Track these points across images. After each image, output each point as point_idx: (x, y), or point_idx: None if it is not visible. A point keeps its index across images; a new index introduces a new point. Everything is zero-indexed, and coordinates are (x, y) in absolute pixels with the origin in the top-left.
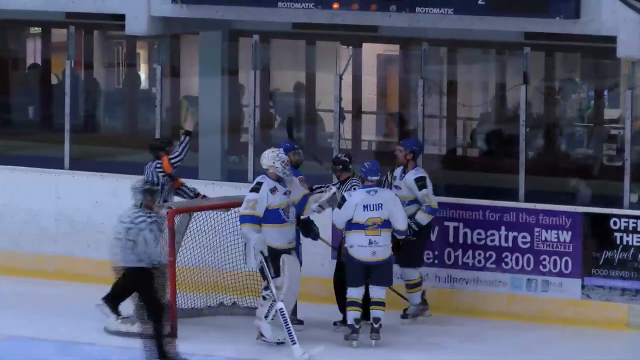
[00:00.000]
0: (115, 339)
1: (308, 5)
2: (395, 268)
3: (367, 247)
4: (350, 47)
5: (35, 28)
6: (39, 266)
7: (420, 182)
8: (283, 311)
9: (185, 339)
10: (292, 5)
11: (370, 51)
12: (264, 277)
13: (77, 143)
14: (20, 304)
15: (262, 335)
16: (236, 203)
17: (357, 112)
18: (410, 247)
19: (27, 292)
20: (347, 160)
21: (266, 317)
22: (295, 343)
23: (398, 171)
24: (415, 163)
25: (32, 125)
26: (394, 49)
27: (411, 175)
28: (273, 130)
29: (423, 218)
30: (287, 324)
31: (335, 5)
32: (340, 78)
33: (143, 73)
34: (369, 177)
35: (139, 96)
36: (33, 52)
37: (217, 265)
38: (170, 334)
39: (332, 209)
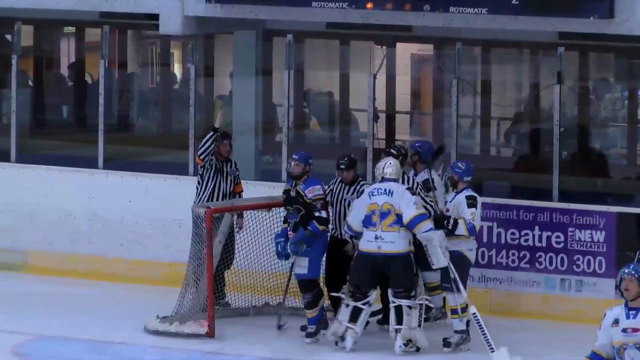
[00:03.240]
0: (148, 338)
1: (342, 5)
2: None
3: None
4: (384, 47)
5: (69, 28)
6: (72, 266)
7: None
8: (477, 316)
9: (223, 339)
10: (326, 5)
11: (404, 51)
12: (445, 280)
13: (110, 143)
14: (53, 303)
15: (411, 347)
16: (278, 203)
17: (391, 111)
18: None
19: (60, 291)
20: (356, 160)
21: (420, 325)
22: (494, 351)
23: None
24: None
25: (66, 124)
26: (427, 49)
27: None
28: (307, 130)
29: None
30: (484, 330)
31: (369, 5)
32: (374, 78)
33: (177, 72)
34: (465, 178)
35: (173, 96)
36: (67, 52)
37: (262, 266)
38: (208, 334)
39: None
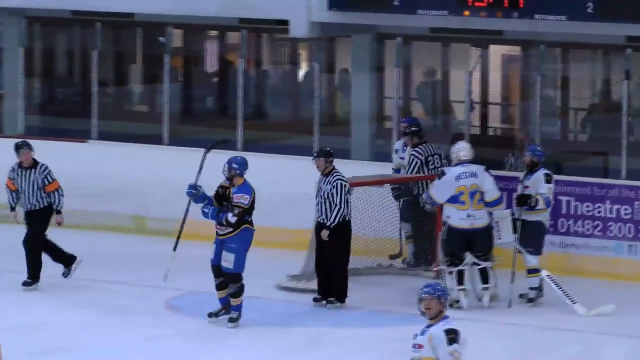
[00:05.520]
0: (278, 293)
1: (443, 13)
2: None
3: None
4: (479, 48)
5: (213, 31)
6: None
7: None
8: (551, 276)
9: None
10: (430, 12)
11: (496, 52)
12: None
13: (248, 129)
14: (200, 264)
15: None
16: (390, 180)
17: (484, 103)
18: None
19: (205, 254)
20: (332, 152)
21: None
22: (575, 302)
23: (400, 144)
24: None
25: (210, 113)
26: (516, 50)
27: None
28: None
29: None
30: (561, 287)
31: (466, 13)
32: (470, 74)
33: (304, 70)
34: (542, 159)
35: (300, 89)
36: (211, 52)
37: (374, 231)
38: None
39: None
